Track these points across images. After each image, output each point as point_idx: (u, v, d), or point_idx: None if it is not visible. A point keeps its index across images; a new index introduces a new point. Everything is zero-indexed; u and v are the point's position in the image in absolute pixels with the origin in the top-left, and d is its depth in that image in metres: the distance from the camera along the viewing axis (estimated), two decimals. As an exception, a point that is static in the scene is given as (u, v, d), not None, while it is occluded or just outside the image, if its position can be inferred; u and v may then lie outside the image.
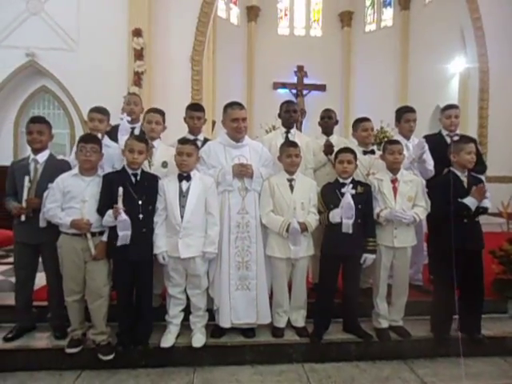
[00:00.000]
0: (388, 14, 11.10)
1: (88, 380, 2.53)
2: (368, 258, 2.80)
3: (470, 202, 2.74)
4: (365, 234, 2.81)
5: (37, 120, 2.86)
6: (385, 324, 2.93)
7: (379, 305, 2.92)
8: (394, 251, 2.87)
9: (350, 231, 2.71)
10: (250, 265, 2.82)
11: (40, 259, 2.86)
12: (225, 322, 2.78)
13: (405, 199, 2.87)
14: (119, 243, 2.52)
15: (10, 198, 2.74)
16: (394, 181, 2.91)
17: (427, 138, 3.52)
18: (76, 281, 2.61)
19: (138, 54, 7.08)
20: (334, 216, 2.74)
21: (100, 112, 3.07)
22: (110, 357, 2.58)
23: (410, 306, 3.02)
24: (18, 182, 2.74)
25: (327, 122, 3.51)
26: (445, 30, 8.60)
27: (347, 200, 2.69)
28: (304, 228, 2.75)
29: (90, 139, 2.67)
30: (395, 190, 2.88)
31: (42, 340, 2.76)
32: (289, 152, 2.85)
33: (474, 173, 2.95)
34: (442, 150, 3.38)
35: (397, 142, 2.97)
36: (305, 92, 11.18)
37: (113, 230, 2.56)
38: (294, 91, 11.19)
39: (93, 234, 2.59)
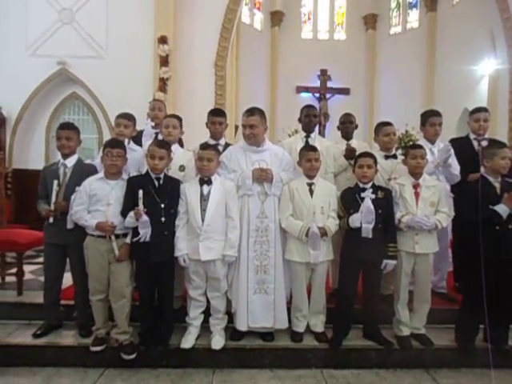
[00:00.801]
0: (414, 16, 10.89)
1: (111, 378, 2.60)
2: (389, 263, 2.77)
3: (501, 209, 2.65)
4: (385, 239, 2.78)
5: (65, 126, 3.00)
6: (406, 331, 2.87)
7: (400, 312, 2.87)
8: (416, 257, 2.82)
9: (370, 236, 2.69)
10: (268, 269, 2.84)
11: (67, 259, 2.98)
12: (241, 325, 2.80)
13: (427, 205, 2.82)
14: (141, 239, 2.58)
15: (42, 201, 2.88)
16: (416, 186, 2.86)
17: (454, 141, 3.45)
18: (100, 281, 2.70)
19: (164, 61, 7.23)
20: (354, 221, 2.72)
21: (126, 118, 3.17)
22: (133, 356, 2.66)
23: (434, 314, 2.96)
24: (49, 185, 2.87)
25: (348, 126, 3.50)
26: (473, 31, 8.36)
27: (367, 205, 2.68)
28: (323, 233, 2.75)
29: (116, 144, 2.77)
30: (417, 195, 2.83)
31: (68, 338, 2.87)
32: (308, 156, 2.86)
33: (508, 178, 2.84)
34: (469, 154, 3.31)
35: (419, 147, 2.92)
36: (328, 96, 11.10)
37: (136, 232, 2.64)
38: (317, 95, 11.13)
39: (117, 236, 2.68)
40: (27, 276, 3.61)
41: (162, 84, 7.28)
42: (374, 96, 11.24)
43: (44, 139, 7.85)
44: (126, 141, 3.09)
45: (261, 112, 2.95)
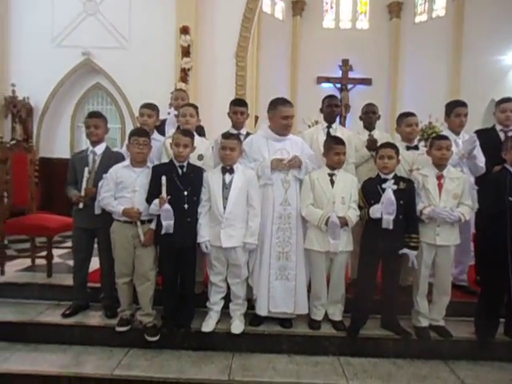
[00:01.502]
0: (440, 4, 10.55)
1: (135, 357, 2.72)
2: (410, 253, 2.75)
3: None
4: (407, 230, 2.77)
5: (93, 115, 3.10)
6: (425, 323, 2.88)
7: (419, 303, 2.87)
8: (436, 249, 2.81)
9: (391, 227, 2.69)
10: (289, 255, 2.88)
11: (95, 244, 3.11)
12: (262, 310, 2.87)
13: (450, 197, 2.78)
14: (163, 232, 2.66)
15: (71, 187, 3.00)
16: (439, 177, 2.82)
17: (479, 132, 3.37)
18: (126, 264, 2.80)
19: (185, 51, 7.29)
20: (375, 211, 2.73)
21: (149, 108, 3.24)
22: (156, 338, 2.77)
23: (454, 307, 2.95)
24: (79, 172, 2.99)
25: (371, 117, 3.47)
26: (502, 20, 8.07)
27: (388, 195, 2.67)
28: (344, 222, 2.76)
29: (142, 133, 2.85)
30: (440, 186, 2.80)
31: (95, 318, 3.01)
32: (337, 150, 2.87)
33: None
34: (495, 146, 3.23)
35: (445, 138, 2.88)
36: (349, 86, 10.94)
37: (160, 220, 2.71)
38: (339, 85, 10.98)
39: (142, 222, 2.76)
40: (55, 260, 3.77)
41: (184, 74, 7.35)
42: (396, 86, 11.01)
43: (69, 128, 8.07)
44: (149, 130, 3.15)
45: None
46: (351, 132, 3.54)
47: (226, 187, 2.76)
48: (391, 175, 2.81)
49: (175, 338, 2.83)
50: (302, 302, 2.92)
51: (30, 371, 2.52)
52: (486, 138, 3.24)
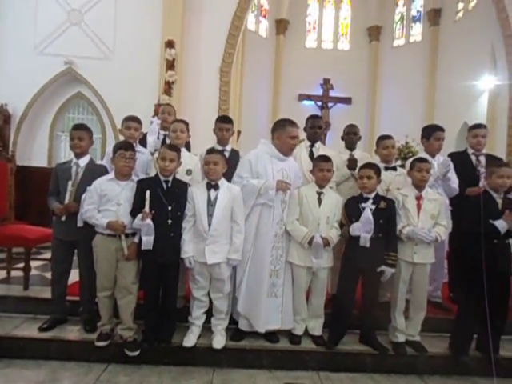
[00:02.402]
0: (417, 30, 11.08)
1: (114, 373, 2.67)
2: (387, 271, 2.85)
3: (500, 224, 2.73)
4: (386, 248, 2.87)
5: (78, 127, 3.09)
6: (401, 338, 2.96)
7: (397, 319, 2.96)
8: (414, 267, 2.92)
9: (367, 245, 2.78)
10: (279, 273, 2.94)
11: (75, 256, 3.06)
12: (259, 326, 2.88)
13: (428, 217, 2.91)
14: (143, 248, 2.66)
15: (53, 198, 2.96)
16: (418, 198, 2.95)
17: (452, 155, 3.56)
18: (108, 278, 2.77)
19: (170, 65, 7.34)
20: (354, 229, 2.81)
21: (136, 121, 3.27)
22: (136, 353, 2.73)
23: (428, 323, 3.05)
24: (61, 183, 2.96)
25: (352, 137, 3.60)
26: (475, 47, 8.54)
27: (366, 215, 2.77)
28: (326, 243, 2.85)
29: (128, 147, 2.84)
30: (419, 206, 2.93)
31: (73, 332, 2.94)
32: (321, 166, 2.96)
33: (510, 195, 2.91)
34: (467, 168, 3.42)
35: (425, 160, 3.01)
36: (330, 104, 11.25)
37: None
38: (320, 103, 11.28)
39: (126, 235, 2.74)
40: (32, 272, 3.67)
41: (168, 87, 7.38)
42: (375, 106, 11.39)
43: (48, 137, 7.93)
44: (134, 144, 3.16)
45: None
46: (333, 151, 3.65)
47: (211, 204, 2.78)
48: (372, 194, 2.91)
49: (155, 353, 2.80)
50: (288, 318, 2.97)
51: (4, 388, 2.44)
52: (459, 160, 3.42)
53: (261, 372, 2.78)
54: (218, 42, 7.66)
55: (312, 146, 3.48)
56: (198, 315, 2.90)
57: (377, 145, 3.46)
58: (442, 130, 3.48)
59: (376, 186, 2.95)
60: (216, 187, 2.82)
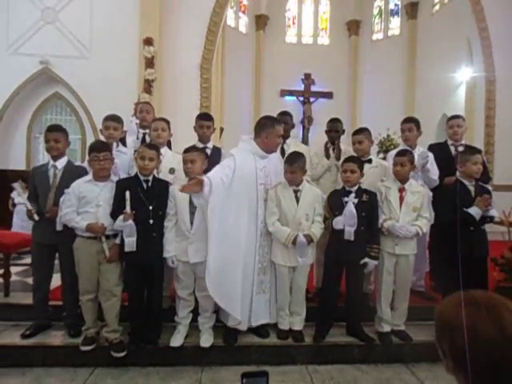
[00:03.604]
0: (395, 23, 11.20)
1: (101, 376, 2.64)
2: (370, 263, 2.89)
3: (474, 211, 2.81)
4: (369, 240, 2.90)
5: (53, 128, 3.00)
6: (387, 328, 3.01)
7: (383, 309, 3.01)
8: (397, 258, 2.96)
9: (352, 238, 2.81)
10: (266, 270, 2.95)
11: (56, 260, 3.00)
12: (243, 325, 2.87)
13: (410, 209, 2.93)
14: (126, 250, 2.64)
15: (30, 203, 2.88)
16: (401, 190, 2.97)
17: (432, 147, 3.63)
18: (91, 281, 2.74)
19: (149, 62, 7.23)
20: (337, 223, 2.84)
21: (115, 120, 3.21)
22: (123, 354, 2.70)
23: (412, 312, 3.10)
24: (39, 186, 2.90)
25: (333, 135, 3.56)
26: (452, 40, 8.68)
27: (349, 209, 2.80)
28: (310, 240, 2.84)
29: (102, 148, 2.78)
30: (402, 199, 2.95)
31: (57, 337, 2.89)
32: (285, 168, 2.90)
33: (481, 183, 3.02)
34: (446, 159, 3.48)
35: (401, 154, 3.02)
36: (312, 99, 11.29)
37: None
38: (302, 98, 11.30)
39: (107, 237, 2.71)
40: (12, 277, 3.59)
41: (147, 85, 7.28)
42: (356, 100, 11.49)
43: (25, 139, 7.74)
44: (115, 144, 3.12)
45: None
46: (306, 146, 3.66)
47: (192, 202, 2.76)
48: (355, 188, 2.93)
49: (143, 355, 2.78)
50: (275, 311, 3.01)
51: (-14, 398, 2.38)
52: (438, 151, 3.49)
53: (249, 368, 2.77)
54: (198, 39, 7.57)
55: (283, 142, 3.46)
56: (184, 315, 2.88)
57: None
58: (406, 121, 3.55)
59: (359, 180, 2.96)
60: None
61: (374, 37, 11.60)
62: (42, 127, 7.84)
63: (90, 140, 7.31)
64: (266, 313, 2.97)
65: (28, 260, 4.02)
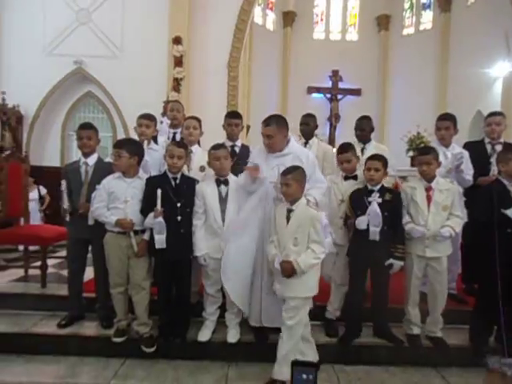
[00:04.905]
0: (427, 17, 10.86)
1: (132, 367, 2.72)
2: (395, 264, 2.79)
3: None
4: (393, 240, 2.80)
5: (86, 126, 3.11)
6: (416, 330, 2.93)
7: (411, 312, 2.93)
8: (427, 260, 2.85)
9: (377, 238, 2.73)
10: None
11: (89, 254, 3.11)
12: (254, 320, 2.84)
13: (439, 209, 2.81)
14: (156, 247, 2.69)
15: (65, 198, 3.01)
16: (428, 189, 2.86)
17: (468, 145, 3.51)
18: (120, 274, 2.82)
19: (178, 61, 7.35)
20: (360, 223, 2.76)
21: (147, 118, 3.27)
22: (153, 349, 2.77)
23: (444, 315, 3.00)
24: (72, 182, 3.02)
25: (359, 134, 3.56)
26: (488, 33, 8.32)
27: (373, 208, 2.72)
28: (289, 268, 2.40)
29: (120, 145, 2.84)
30: (429, 198, 2.83)
31: (90, 328, 3.00)
32: (281, 180, 2.52)
33: None
34: (482, 158, 3.35)
35: (425, 153, 2.88)
36: (339, 96, 11.12)
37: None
38: (329, 96, 11.15)
39: (135, 232, 2.78)
40: (49, 269, 3.74)
41: (176, 84, 7.40)
42: (385, 97, 11.24)
43: (60, 137, 8.05)
44: (146, 141, 3.19)
45: (278, 120, 2.78)
46: (326, 145, 3.65)
47: (222, 200, 2.78)
48: (378, 186, 2.84)
49: (171, 348, 2.84)
50: None
51: (25, 382, 2.51)
52: (475, 150, 3.37)
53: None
54: (226, 37, 7.63)
55: (306, 143, 3.52)
56: (211, 311, 2.92)
57: (337, 157, 3.15)
58: (443, 119, 3.42)
59: (382, 178, 2.86)
60: (226, 183, 2.82)
61: (405, 31, 11.29)
62: (75, 125, 8.10)
63: (121, 137, 7.52)
64: (279, 316, 2.72)
65: (62, 253, 4.21)
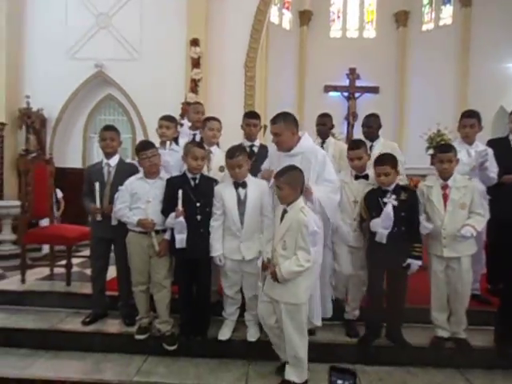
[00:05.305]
0: (447, 12, 10.64)
1: (154, 364, 2.78)
2: (413, 263, 2.71)
3: None
4: (410, 240, 2.72)
5: (109, 128, 3.20)
6: (442, 333, 2.87)
7: (435, 316, 2.87)
8: (447, 261, 2.78)
9: (384, 241, 2.65)
10: None
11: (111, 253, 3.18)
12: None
13: (457, 207, 2.72)
14: (177, 246, 2.73)
15: (88, 199, 3.08)
16: (444, 187, 2.77)
17: (492, 142, 3.43)
18: (142, 273, 2.88)
19: (195, 63, 7.43)
20: (375, 225, 2.68)
21: (168, 120, 3.32)
22: (174, 347, 2.83)
23: (468, 315, 2.93)
24: (94, 184, 3.07)
25: (366, 131, 3.55)
26: (510, 27, 8.13)
27: (387, 211, 2.63)
28: (273, 273, 2.38)
29: (147, 145, 2.89)
30: (446, 196, 2.75)
31: (113, 326, 3.08)
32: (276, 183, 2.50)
33: None
34: (506, 155, 3.28)
35: (446, 151, 2.79)
36: (357, 95, 11.01)
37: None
38: (346, 94, 11.07)
39: (156, 232, 2.83)
40: (73, 268, 3.85)
41: (194, 85, 7.48)
42: (404, 94, 11.06)
43: (81, 139, 8.23)
44: (168, 142, 3.24)
45: (285, 117, 2.74)
46: (345, 145, 3.61)
47: (240, 202, 2.75)
48: (392, 186, 2.75)
49: (192, 346, 2.88)
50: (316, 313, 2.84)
51: (53, 377, 2.59)
52: (498, 147, 3.29)
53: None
54: (242, 38, 7.67)
55: (323, 142, 3.55)
56: (231, 311, 2.94)
57: (347, 154, 3.05)
58: (468, 116, 3.32)
59: (395, 179, 2.76)
60: (244, 185, 2.77)
61: (424, 27, 11.09)
62: (96, 127, 8.30)
63: (140, 138, 7.64)
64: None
65: (85, 252, 4.32)
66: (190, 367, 2.74)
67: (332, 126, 3.77)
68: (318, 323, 2.82)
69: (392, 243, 2.66)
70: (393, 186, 2.75)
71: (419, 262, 2.73)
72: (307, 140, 2.83)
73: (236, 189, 2.77)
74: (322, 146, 3.48)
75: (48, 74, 7.61)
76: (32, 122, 7.57)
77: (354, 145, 3.00)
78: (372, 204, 2.76)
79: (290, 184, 2.39)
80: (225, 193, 2.78)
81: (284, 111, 2.83)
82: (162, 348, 2.82)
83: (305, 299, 2.45)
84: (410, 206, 2.73)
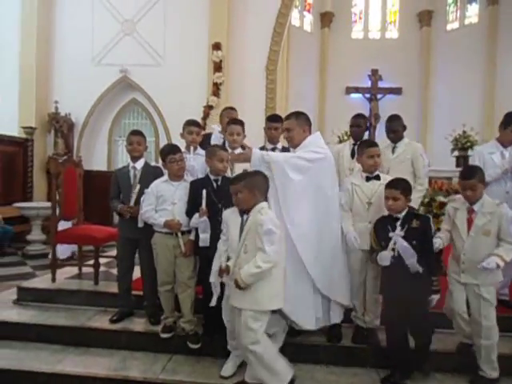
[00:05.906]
0: (473, 11, 10.40)
1: (178, 363, 2.84)
2: (433, 298, 2.59)
3: None
4: (427, 273, 2.50)
5: (136, 132, 3.32)
6: (467, 341, 2.78)
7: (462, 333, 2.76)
8: (465, 286, 2.60)
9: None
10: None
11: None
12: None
13: (479, 233, 2.52)
14: (200, 245, 2.78)
15: (116, 201, 3.20)
16: (470, 211, 2.58)
17: None
18: (167, 273, 2.94)
19: (217, 66, 7.54)
20: (383, 259, 2.50)
21: (196, 125, 3.38)
22: (198, 345, 2.88)
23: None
24: (122, 185, 3.20)
25: (393, 137, 3.47)
26: (540, 25, 7.89)
27: (400, 244, 2.46)
28: (235, 279, 2.31)
29: (176, 150, 2.96)
30: (470, 221, 2.57)
31: (139, 324, 3.16)
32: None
33: None
34: None
35: (467, 177, 2.54)
36: (379, 96, 10.89)
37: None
38: (368, 95, 10.97)
39: (182, 233, 2.90)
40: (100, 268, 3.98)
41: (216, 89, 7.59)
42: (427, 95, 10.87)
43: (107, 142, 8.47)
44: (192, 147, 3.30)
45: (298, 115, 2.84)
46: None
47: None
48: (403, 213, 2.56)
49: (216, 345, 2.91)
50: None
51: (83, 373, 2.69)
52: None
53: (317, 367, 2.80)
54: (264, 41, 7.73)
55: (355, 144, 3.46)
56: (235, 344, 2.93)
57: (359, 152, 3.01)
58: None
59: (405, 206, 2.58)
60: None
61: (449, 27, 10.88)
62: (120, 131, 8.53)
63: (163, 142, 7.80)
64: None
65: (111, 253, 4.45)
66: (213, 367, 2.77)
67: (366, 128, 3.62)
68: (308, 326, 2.77)
69: (404, 277, 2.46)
70: (403, 213, 2.58)
71: (437, 297, 2.62)
72: (315, 138, 2.88)
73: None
74: (353, 147, 3.44)
75: (75, 80, 7.89)
76: (60, 126, 7.86)
77: (368, 143, 2.99)
78: (381, 233, 2.60)
79: (250, 189, 2.37)
80: (230, 217, 2.58)
81: (298, 110, 2.95)
82: (186, 347, 2.88)
83: (268, 307, 2.35)
84: (421, 233, 2.53)
